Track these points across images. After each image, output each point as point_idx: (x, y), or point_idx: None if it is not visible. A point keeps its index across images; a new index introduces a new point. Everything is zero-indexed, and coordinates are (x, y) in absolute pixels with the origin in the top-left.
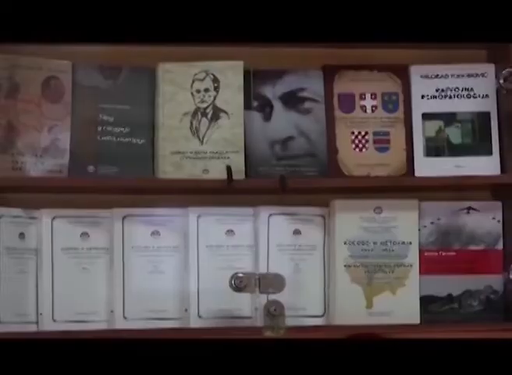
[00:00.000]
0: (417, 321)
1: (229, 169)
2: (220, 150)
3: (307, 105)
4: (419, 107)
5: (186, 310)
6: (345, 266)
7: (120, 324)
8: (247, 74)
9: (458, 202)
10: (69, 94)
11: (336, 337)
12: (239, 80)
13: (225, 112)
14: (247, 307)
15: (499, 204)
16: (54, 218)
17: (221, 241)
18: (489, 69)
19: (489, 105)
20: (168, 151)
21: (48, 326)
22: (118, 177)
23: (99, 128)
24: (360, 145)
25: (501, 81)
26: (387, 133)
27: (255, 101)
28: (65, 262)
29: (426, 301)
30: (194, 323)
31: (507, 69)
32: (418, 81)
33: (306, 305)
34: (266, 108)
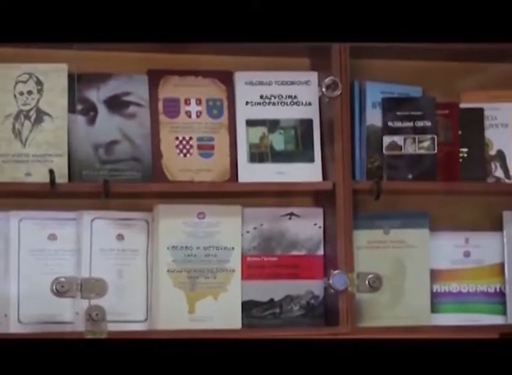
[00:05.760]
0: (239, 326)
1: (51, 172)
2: (43, 153)
3: (131, 109)
4: (243, 113)
5: (5, 315)
6: (168, 270)
7: None
8: (71, 77)
9: (280, 208)
10: None
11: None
12: (63, 83)
13: (49, 115)
14: (69, 312)
15: (320, 210)
16: None
17: (43, 245)
18: (312, 77)
19: (312, 113)
20: None
21: None
22: None
23: None
24: (185, 150)
25: (323, 89)
26: (211, 139)
27: (79, 105)
28: None
29: (248, 306)
30: (14, 328)
31: (330, 78)
32: (243, 88)
33: (128, 309)
34: (90, 112)
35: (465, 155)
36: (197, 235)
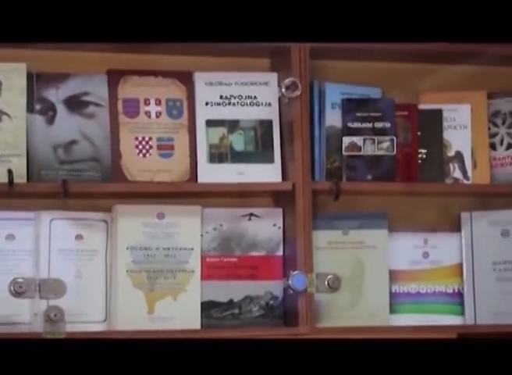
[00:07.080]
0: (198, 326)
1: (10, 172)
2: (1, 153)
3: (90, 109)
4: (203, 114)
5: None
6: (127, 271)
7: None
8: (30, 77)
9: (240, 209)
10: None
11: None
12: (21, 82)
13: (8, 115)
14: (27, 313)
15: (279, 211)
16: None
17: (1, 245)
18: (272, 78)
19: (272, 114)
20: None
21: None
22: None
23: None
24: (144, 151)
25: (283, 90)
26: (171, 139)
27: (38, 105)
28: None
29: (207, 307)
30: None
31: (289, 78)
32: (202, 88)
33: (87, 310)
34: (49, 112)
35: (424, 156)
36: (157, 235)
